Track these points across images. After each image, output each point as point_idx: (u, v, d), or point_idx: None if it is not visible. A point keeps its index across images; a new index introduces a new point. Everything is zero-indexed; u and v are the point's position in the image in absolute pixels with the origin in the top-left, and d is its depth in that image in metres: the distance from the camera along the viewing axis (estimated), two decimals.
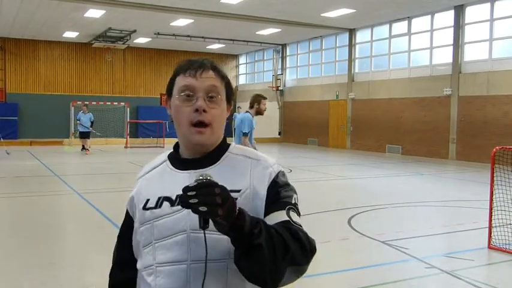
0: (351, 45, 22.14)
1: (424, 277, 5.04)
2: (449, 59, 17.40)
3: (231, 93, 1.48)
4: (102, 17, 19.59)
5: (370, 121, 20.82)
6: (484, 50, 16.38)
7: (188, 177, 1.36)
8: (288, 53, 27.09)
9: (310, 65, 25.24)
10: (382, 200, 9.26)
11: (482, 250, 5.92)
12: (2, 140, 18.26)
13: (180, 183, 1.24)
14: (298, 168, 14.40)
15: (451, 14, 17.36)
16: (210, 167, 1.39)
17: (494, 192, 6.06)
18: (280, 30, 22.25)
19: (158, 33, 23.31)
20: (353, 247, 6.14)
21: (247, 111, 7.35)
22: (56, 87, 26.23)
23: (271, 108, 24.54)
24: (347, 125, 22.20)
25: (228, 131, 23.31)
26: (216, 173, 1.22)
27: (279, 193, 1.37)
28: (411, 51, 19.17)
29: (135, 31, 22.68)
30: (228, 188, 1.17)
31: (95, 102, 24.50)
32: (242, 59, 31.26)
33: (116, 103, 26.15)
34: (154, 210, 1.40)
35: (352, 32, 22.01)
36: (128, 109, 26.05)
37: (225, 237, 1.26)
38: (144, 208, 1.42)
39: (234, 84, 31.22)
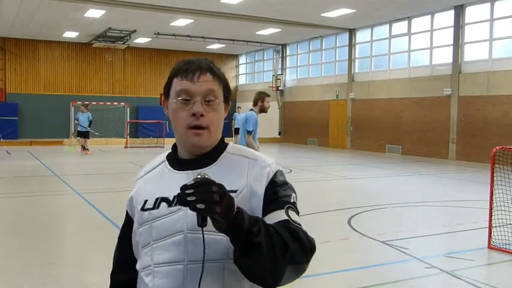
0: (351, 45, 22.14)
1: (424, 277, 5.03)
2: (449, 59, 17.40)
3: (228, 94, 1.47)
4: (102, 17, 19.59)
5: (370, 121, 20.82)
6: (484, 50, 16.38)
7: (186, 178, 1.36)
8: (288, 53, 27.09)
9: (310, 65, 25.24)
10: (382, 200, 9.26)
11: (482, 250, 5.92)
12: (2, 140, 18.27)
13: (177, 183, 1.25)
14: (298, 168, 14.40)
15: (451, 14, 17.36)
16: (208, 167, 1.39)
17: (494, 192, 6.05)
18: (280, 30, 22.25)
19: (158, 33, 23.32)
20: (353, 247, 6.13)
21: (251, 109, 7.23)
22: (56, 87, 26.23)
23: (271, 108, 24.49)
24: (347, 125, 22.20)
25: (227, 131, 23.39)
26: (213, 173, 1.22)
27: (277, 192, 1.37)
28: (411, 51, 19.18)
29: (135, 31, 22.68)
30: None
31: (95, 102, 24.49)
32: (242, 59, 31.26)
33: (116, 103, 26.16)
34: (152, 211, 1.40)
35: (352, 32, 22.01)
36: (128, 109, 26.06)
37: (223, 237, 1.26)
38: (142, 209, 1.43)
39: (234, 84, 31.25)
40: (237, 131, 22.35)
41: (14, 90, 25.32)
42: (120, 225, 1.59)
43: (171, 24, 21.02)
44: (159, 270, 1.35)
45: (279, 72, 27.04)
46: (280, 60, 27.23)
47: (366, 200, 9.18)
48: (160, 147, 21.61)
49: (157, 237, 1.37)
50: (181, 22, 20.66)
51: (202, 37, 24.21)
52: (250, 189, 1.36)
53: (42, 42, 25.63)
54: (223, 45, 26.72)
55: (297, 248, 1.25)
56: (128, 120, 24.92)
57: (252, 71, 30.55)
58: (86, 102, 21.24)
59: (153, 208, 1.40)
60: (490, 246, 5.94)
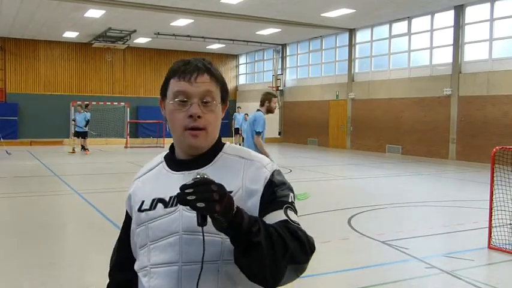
0: (351, 45, 22.14)
1: (424, 277, 5.03)
2: (449, 59, 17.40)
3: (226, 95, 1.46)
4: (102, 17, 19.59)
5: (370, 121, 20.82)
6: (484, 50, 16.38)
7: (182, 178, 1.35)
8: (288, 53, 27.09)
9: (310, 65, 25.24)
10: (382, 200, 9.26)
11: (482, 250, 5.92)
12: (2, 140, 18.26)
13: (174, 184, 1.24)
14: (298, 168, 14.40)
15: (451, 14, 17.36)
16: (204, 168, 1.39)
17: (494, 192, 6.06)
18: (280, 30, 22.25)
19: (158, 33, 23.32)
20: (353, 247, 6.13)
21: (258, 110, 7.15)
22: (56, 87, 26.24)
23: None
24: (347, 125, 22.20)
25: (227, 131, 23.38)
26: (209, 173, 1.22)
27: (275, 192, 1.36)
28: (411, 51, 19.18)
29: (135, 31, 22.68)
30: None
31: (95, 102, 24.49)
32: (242, 59, 31.26)
33: (116, 103, 26.16)
34: (148, 212, 1.40)
35: (352, 32, 22.01)
36: (128, 109, 26.07)
37: (218, 239, 1.27)
38: (140, 210, 1.43)
39: (234, 84, 31.25)
40: (236, 131, 22.37)
41: (14, 90, 25.32)
42: (120, 225, 1.60)
43: (171, 24, 21.02)
44: (155, 271, 1.35)
45: (279, 72, 27.04)
46: (280, 60, 27.23)
47: (366, 200, 9.17)
48: (160, 147, 21.62)
49: (154, 238, 1.37)
50: (181, 22, 20.66)
51: (202, 37, 24.21)
52: (246, 190, 1.36)
53: (42, 42, 25.63)
54: (223, 45, 26.72)
55: (296, 248, 1.25)
56: (128, 120, 24.93)
57: (252, 71, 30.55)
58: (86, 102, 21.25)
59: (149, 209, 1.40)
60: (490, 246, 5.94)
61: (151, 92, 28.14)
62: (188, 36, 23.83)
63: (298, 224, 1.32)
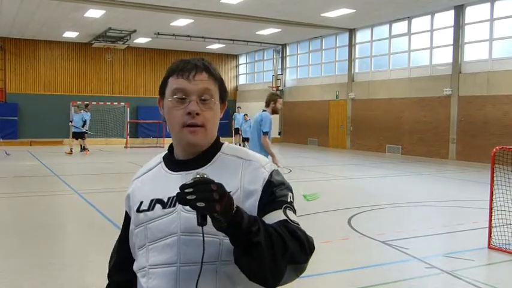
0: (351, 45, 22.14)
1: (424, 277, 5.03)
2: (449, 59, 17.40)
3: (225, 94, 1.46)
4: (102, 17, 19.59)
5: (370, 121, 20.82)
6: (484, 50, 16.38)
7: (180, 179, 1.35)
8: (288, 53, 27.09)
9: (310, 65, 25.24)
10: (382, 200, 9.26)
11: (482, 250, 5.92)
12: (1, 140, 18.26)
13: (172, 185, 1.24)
14: (298, 168, 14.40)
15: (451, 14, 17.36)
16: (202, 168, 1.38)
17: (494, 192, 6.06)
18: (280, 30, 22.25)
19: (158, 33, 23.32)
20: (353, 247, 6.13)
21: (264, 110, 7.16)
22: (56, 87, 26.24)
23: None
24: (347, 125, 22.20)
25: (227, 131, 23.39)
26: (207, 174, 1.22)
27: (274, 192, 1.36)
28: (411, 51, 19.18)
29: (135, 31, 22.68)
30: None
31: (95, 102, 24.45)
32: (242, 59, 31.26)
33: (116, 103, 26.13)
34: (147, 212, 1.40)
35: (352, 32, 22.01)
36: (128, 109, 26.04)
37: (216, 240, 1.28)
38: (138, 210, 1.43)
39: (234, 84, 31.24)
40: (236, 131, 22.35)
41: (14, 90, 25.32)
42: (120, 225, 1.60)
43: (171, 24, 21.02)
44: (154, 272, 1.35)
45: (279, 72, 27.04)
46: (280, 60, 27.23)
47: (366, 200, 9.17)
48: (160, 147, 21.62)
49: (152, 238, 1.37)
50: (181, 22, 20.66)
51: (202, 37, 24.21)
52: (244, 190, 1.35)
53: (42, 42, 25.63)
54: (223, 45, 26.71)
55: (296, 248, 1.25)
56: (128, 120, 24.90)
57: (252, 71, 30.55)
58: (86, 102, 21.22)
59: (148, 210, 1.40)
60: (490, 246, 5.94)
61: (151, 92, 28.13)
62: (188, 36, 23.83)
63: (298, 224, 1.32)
